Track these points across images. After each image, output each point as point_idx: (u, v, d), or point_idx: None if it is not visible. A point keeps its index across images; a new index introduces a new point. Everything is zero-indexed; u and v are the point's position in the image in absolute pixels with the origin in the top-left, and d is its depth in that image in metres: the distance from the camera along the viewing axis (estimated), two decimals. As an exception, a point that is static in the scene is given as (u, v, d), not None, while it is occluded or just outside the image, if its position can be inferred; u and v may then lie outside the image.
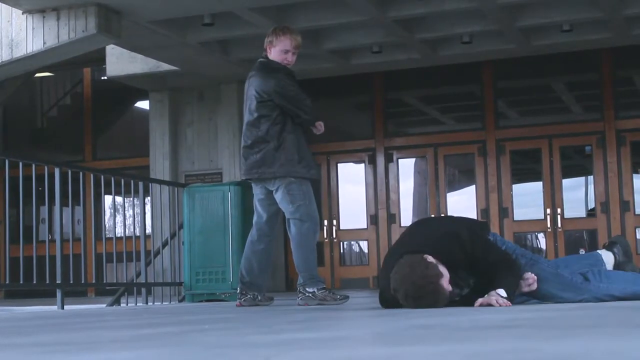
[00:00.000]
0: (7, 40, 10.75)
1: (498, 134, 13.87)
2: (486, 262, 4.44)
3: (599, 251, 5.06)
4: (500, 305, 4.22)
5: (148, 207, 9.97)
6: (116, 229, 15.17)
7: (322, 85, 14.61)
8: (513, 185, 13.88)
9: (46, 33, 10.50)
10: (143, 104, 15.52)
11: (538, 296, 4.62)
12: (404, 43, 12.76)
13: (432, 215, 13.98)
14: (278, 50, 6.42)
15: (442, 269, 4.28)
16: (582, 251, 13.60)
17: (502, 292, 4.30)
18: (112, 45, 12.41)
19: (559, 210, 13.49)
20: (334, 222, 14.39)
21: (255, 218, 6.53)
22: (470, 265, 4.48)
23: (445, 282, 4.26)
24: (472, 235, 4.53)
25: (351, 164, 14.81)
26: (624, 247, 5.00)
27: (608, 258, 4.93)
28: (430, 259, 4.30)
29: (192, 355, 2.15)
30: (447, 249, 4.44)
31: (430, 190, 14.23)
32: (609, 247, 5.00)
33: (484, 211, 13.79)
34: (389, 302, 4.52)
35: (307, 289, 6.10)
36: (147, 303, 9.00)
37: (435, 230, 4.70)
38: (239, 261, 8.76)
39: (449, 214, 14.03)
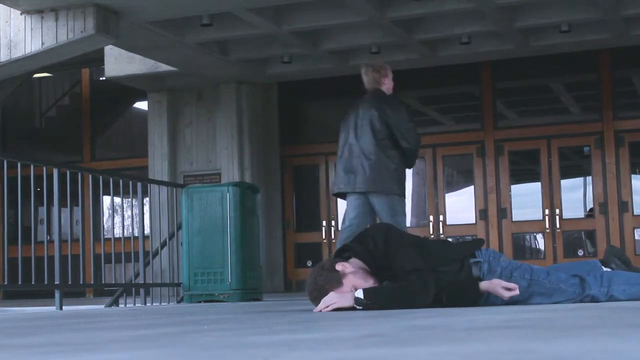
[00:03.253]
0: (6, 41, 10.75)
1: (497, 135, 13.87)
2: (397, 265, 4.50)
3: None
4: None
5: (146, 208, 9.96)
6: (115, 230, 15.17)
7: (321, 86, 14.62)
8: (512, 186, 13.88)
9: (44, 33, 10.49)
10: (141, 105, 15.52)
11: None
12: (403, 43, 12.76)
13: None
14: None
15: (341, 276, 4.48)
16: (580, 252, 13.61)
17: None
18: (110, 46, 12.41)
19: (557, 211, 13.49)
20: (333, 222, 14.39)
21: None
22: (377, 260, 4.56)
23: (338, 289, 4.46)
24: (394, 236, 4.60)
25: (350, 164, 14.78)
26: (618, 256, 4.98)
27: None
28: (339, 266, 4.51)
29: (190, 356, 2.14)
30: (362, 237, 4.70)
31: (429, 190, 14.23)
32: (605, 264, 4.97)
33: (482, 212, 13.79)
34: None
35: None
36: (145, 304, 8.99)
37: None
38: (237, 262, 8.77)
39: (447, 214, 14.04)
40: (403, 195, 7.09)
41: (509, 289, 4.44)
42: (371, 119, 7.06)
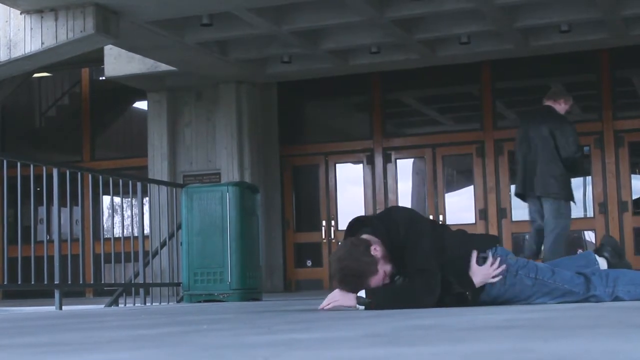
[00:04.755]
0: (5, 41, 10.75)
1: (496, 135, 13.87)
2: (409, 258, 4.36)
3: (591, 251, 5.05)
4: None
5: (146, 208, 9.96)
6: (114, 230, 15.16)
7: (321, 86, 14.62)
8: (511, 186, 13.86)
9: (44, 33, 10.49)
10: (141, 104, 15.52)
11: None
12: (402, 43, 12.76)
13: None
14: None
15: (377, 261, 4.33)
16: (579, 251, 13.60)
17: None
18: (110, 46, 12.41)
19: (557, 211, 13.47)
20: (332, 222, 14.39)
21: None
22: (393, 247, 4.40)
23: (375, 275, 4.32)
24: (417, 226, 4.46)
25: (349, 164, 14.81)
26: (613, 246, 4.98)
27: (601, 262, 4.90)
28: (374, 250, 4.33)
29: (190, 355, 2.14)
30: (386, 217, 4.53)
31: (429, 190, 14.23)
32: (598, 252, 4.97)
33: (482, 211, 13.79)
34: None
35: None
36: (145, 304, 8.99)
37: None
38: (237, 261, 8.77)
39: (447, 214, 14.04)
40: (569, 199, 8.60)
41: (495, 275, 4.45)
42: (541, 131, 8.49)
